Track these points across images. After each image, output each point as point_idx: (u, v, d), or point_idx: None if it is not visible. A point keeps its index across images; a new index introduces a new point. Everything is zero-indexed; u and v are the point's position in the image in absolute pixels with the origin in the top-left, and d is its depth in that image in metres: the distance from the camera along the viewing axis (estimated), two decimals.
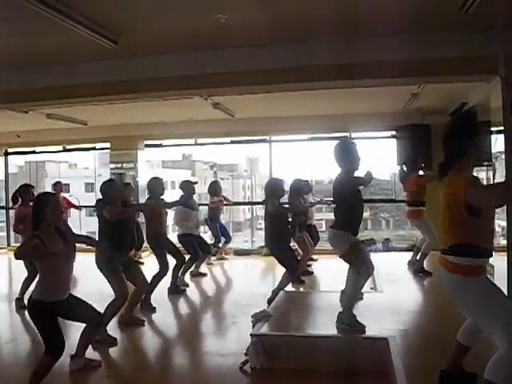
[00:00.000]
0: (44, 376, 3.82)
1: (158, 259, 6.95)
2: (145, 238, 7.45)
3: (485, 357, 3.04)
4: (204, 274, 8.80)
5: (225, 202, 10.45)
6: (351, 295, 4.93)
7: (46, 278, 3.94)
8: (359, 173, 4.97)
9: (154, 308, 6.54)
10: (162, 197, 7.07)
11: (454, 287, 3.22)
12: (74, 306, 4.13)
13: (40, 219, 3.93)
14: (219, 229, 10.14)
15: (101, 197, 5.70)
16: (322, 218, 10.34)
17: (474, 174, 3.32)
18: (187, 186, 8.39)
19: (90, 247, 4.67)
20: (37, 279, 4.07)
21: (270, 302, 5.93)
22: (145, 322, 5.97)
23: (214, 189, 10.06)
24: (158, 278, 6.81)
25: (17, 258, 3.88)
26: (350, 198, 4.87)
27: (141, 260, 9.79)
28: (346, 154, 4.93)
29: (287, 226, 6.72)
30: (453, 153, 3.24)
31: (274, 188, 6.70)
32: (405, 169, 8.52)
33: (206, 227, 10.30)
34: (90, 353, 4.69)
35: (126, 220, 5.67)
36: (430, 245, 7.66)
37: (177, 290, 7.46)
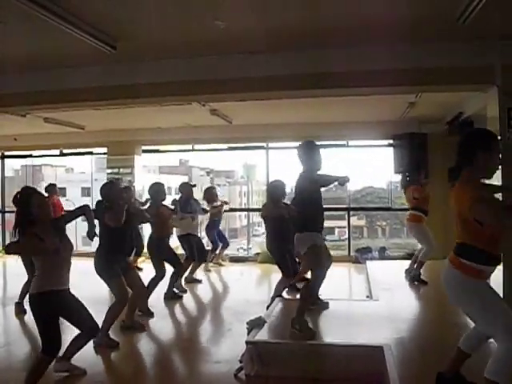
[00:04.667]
0: (40, 376, 3.83)
1: (154, 263, 6.91)
2: (146, 241, 7.41)
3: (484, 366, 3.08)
4: (199, 281, 8.77)
5: (225, 207, 10.41)
6: (304, 299, 5.02)
7: (44, 270, 3.97)
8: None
9: (152, 313, 6.51)
10: (163, 202, 7.09)
11: (452, 282, 3.27)
12: (72, 303, 4.15)
13: (28, 219, 3.94)
14: (217, 235, 10.12)
15: (100, 199, 5.68)
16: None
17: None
18: (185, 188, 8.47)
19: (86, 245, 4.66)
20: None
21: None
22: (145, 327, 5.97)
23: (210, 195, 10.00)
24: (154, 282, 6.77)
25: (7, 252, 4.03)
26: (312, 195, 5.03)
27: (139, 266, 9.75)
28: (311, 155, 5.14)
29: (288, 228, 6.61)
30: (464, 160, 3.23)
31: (273, 191, 6.72)
32: (408, 179, 8.47)
33: (204, 233, 10.27)
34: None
35: (124, 225, 5.66)
36: (426, 253, 7.64)
37: (173, 296, 7.44)
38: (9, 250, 4.04)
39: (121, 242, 5.57)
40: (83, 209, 4.57)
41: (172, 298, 7.39)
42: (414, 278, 7.69)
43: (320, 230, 5.17)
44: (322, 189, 5.22)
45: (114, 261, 5.44)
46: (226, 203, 10.59)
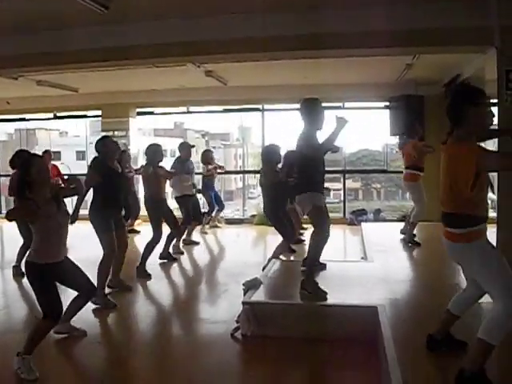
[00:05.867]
0: (40, 341, 3.85)
1: (152, 225, 6.89)
2: (142, 204, 7.40)
3: (474, 328, 3.12)
4: (197, 243, 8.85)
5: (219, 170, 10.44)
6: (311, 258, 5.09)
7: (40, 240, 3.92)
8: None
9: (149, 275, 6.59)
10: (160, 163, 7.03)
11: (458, 254, 3.32)
12: (69, 270, 4.13)
13: (26, 181, 3.85)
14: (213, 197, 10.18)
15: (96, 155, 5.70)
16: None
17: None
18: (184, 148, 8.48)
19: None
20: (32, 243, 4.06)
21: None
22: (132, 288, 6.04)
23: (206, 157, 10.09)
24: (151, 244, 6.79)
25: (9, 219, 3.88)
26: (313, 158, 4.98)
27: (136, 229, 9.81)
28: (313, 114, 5.02)
29: (283, 192, 6.61)
30: (455, 118, 3.19)
31: (268, 155, 6.73)
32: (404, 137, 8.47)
33: (201, 195, 10.31)
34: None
35: (119, 180, 5.71)
36: (418, 214, 7.68)
37: (168, 257, 7.50)
38: (9, 216, 3.95)
39: (115, 194, 5.62)
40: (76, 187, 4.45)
41: (167, 258, 7.46)
42: (407, 239, 7.76)
43: (321, 191, 5.16)
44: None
45: (109, 215, 5.50)
46: (221, 167, 10.61)
